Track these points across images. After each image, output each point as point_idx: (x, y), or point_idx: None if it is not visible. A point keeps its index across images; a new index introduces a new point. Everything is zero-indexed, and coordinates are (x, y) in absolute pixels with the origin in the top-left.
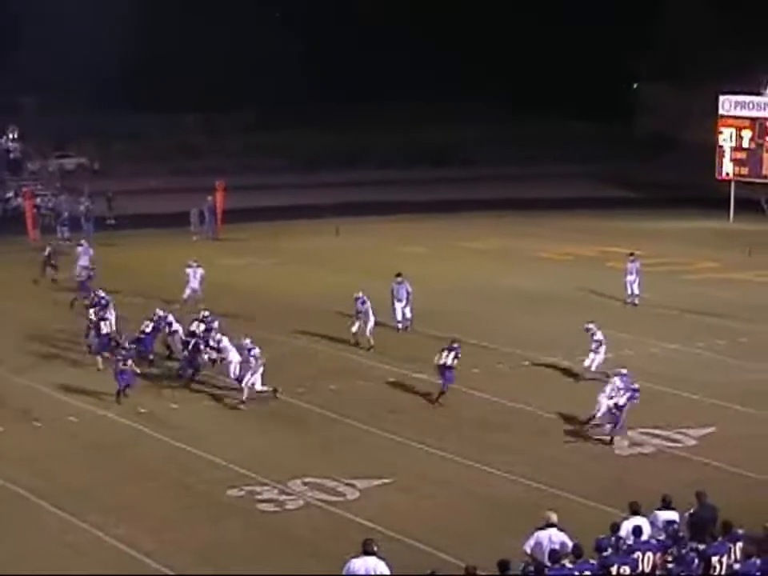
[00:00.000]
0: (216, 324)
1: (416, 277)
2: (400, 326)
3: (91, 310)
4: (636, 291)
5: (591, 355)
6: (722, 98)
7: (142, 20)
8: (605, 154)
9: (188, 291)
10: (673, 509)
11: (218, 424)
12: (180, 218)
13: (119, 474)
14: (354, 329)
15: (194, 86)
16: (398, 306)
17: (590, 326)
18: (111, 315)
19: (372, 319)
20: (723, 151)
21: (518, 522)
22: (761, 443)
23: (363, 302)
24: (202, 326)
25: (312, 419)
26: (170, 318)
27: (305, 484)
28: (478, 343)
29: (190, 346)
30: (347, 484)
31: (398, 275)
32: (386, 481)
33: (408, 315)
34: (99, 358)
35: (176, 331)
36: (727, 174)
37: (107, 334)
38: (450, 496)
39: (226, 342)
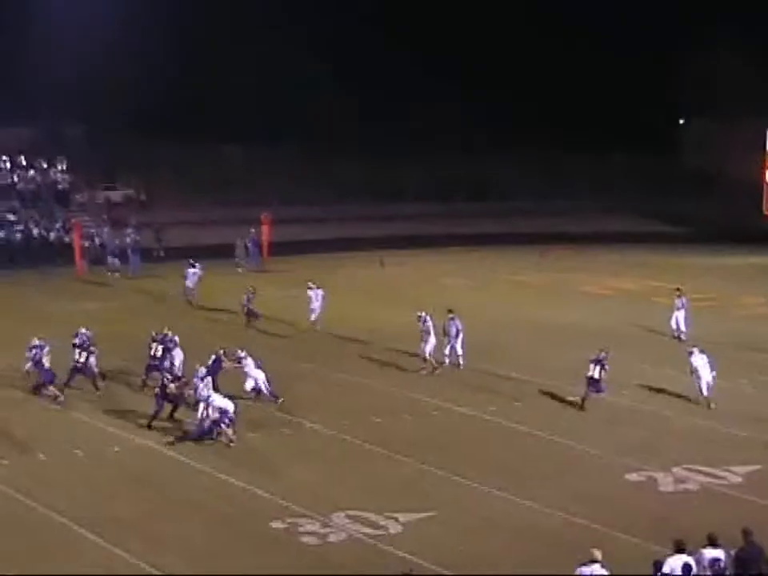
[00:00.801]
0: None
1: (460, 309)
2: (448, 360)
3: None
4: (683, 327)
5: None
6: None
7: (186, 52)
8: (650, 188)
9: (312, 314)
10: (719, 546)
11: (261, 455)
12: (227, 249)
13: (161, 504)
14: (428, 349)
15: (237, 117)
16: (452, 341)
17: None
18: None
19: (433, 339)
20: None
21: (560, 557)
22: None
23: (425, 321)
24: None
25: (355, 452)
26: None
27: (347, 517)
28: (520, 377)
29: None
30: (389, 517)
31: (450, 311)
32: (428, 514)
33: (459, 352)
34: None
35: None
36: None
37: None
38: (492, 530)
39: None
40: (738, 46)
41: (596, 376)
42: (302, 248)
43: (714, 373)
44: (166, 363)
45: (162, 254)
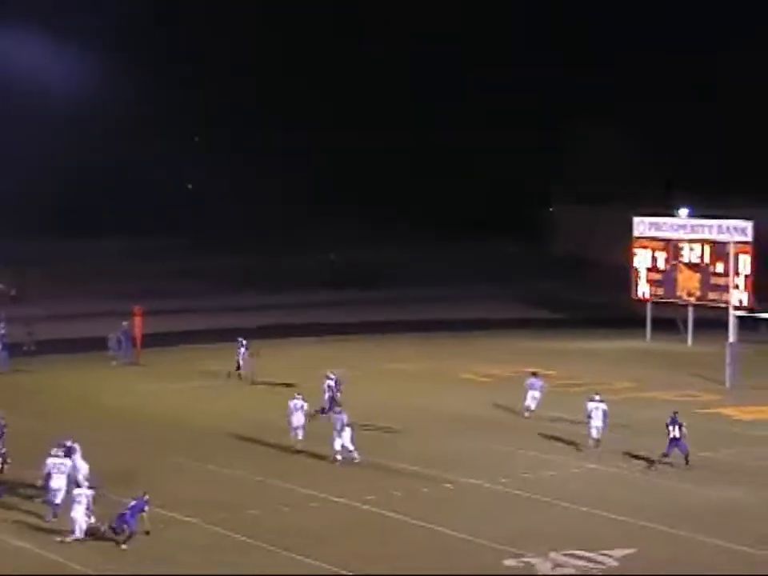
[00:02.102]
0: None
1: (343, 399)
2: (339, 457)
3: None
4: (532, 406)
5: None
6: (635, 219)
7: (67, 147)
8: (521, 274)
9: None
10: None
11: (144, 551)
12: (101, 342)
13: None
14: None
15: (118, 211)
16: (337, 435)
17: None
18: None
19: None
20: (639, 272)
21: None
22: (683, 564)
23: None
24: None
25: (232, 546)
26: None
27: None
28: (398, 466)
29: None
30: None
31: (338, 405)
32: None
33: (350, 447)
34: None
35: None
36: (643, 295)
37: None
38: None
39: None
40: (607, 136)
41: (677, 435)
42: (177, 339)
43: (607, 420)
44: None
45: (32, 347)
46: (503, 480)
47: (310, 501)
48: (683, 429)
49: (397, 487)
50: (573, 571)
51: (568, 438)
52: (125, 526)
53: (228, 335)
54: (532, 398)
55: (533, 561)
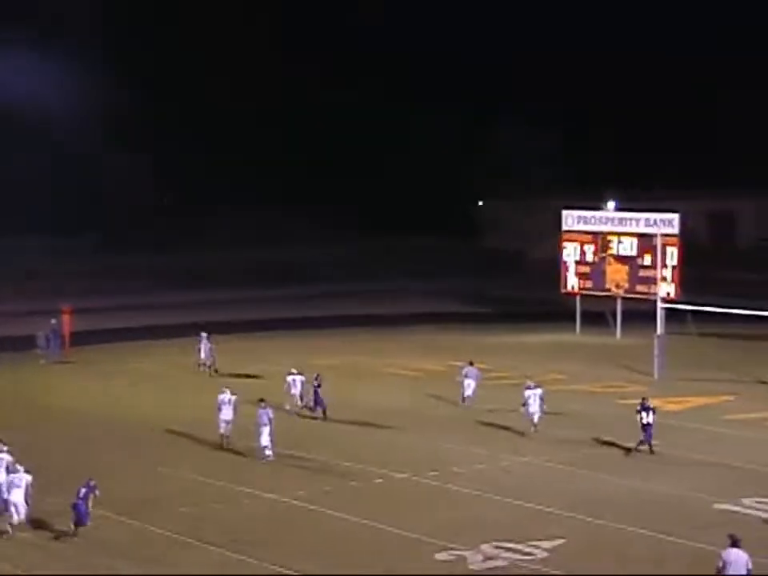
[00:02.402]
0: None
1: (267, 394)
2: (267, 452)
3: None
4: (468, 392)
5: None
6: (564, 213)
7: None
8: (452, 270)
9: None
10: None
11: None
12: (28, 341)
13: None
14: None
15: (39, 210)
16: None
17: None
18: None
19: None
20: (567, 266)
21: None
22: (609, 552)
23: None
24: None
25: (164, 544)
26: None
27: None
28: (328, 460)
29: None
30: None
31: (261, 400)
32: None
33: (267, 443)
34: None
35: None
36: (572, 288)
37: None
38: None
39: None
40: (535, 131)
41: (649, 421)
42: (105, 337)
43: (545, 407)
44: None
45: None
46: (433, 474)
47: (241, 497)
48: (654, 415)
49: (328, 482)
50: (503, 563)
51: (498, 432)
52: (80, 517)
53: (156, 332)
54: (467, 386)
55: (464, 553)
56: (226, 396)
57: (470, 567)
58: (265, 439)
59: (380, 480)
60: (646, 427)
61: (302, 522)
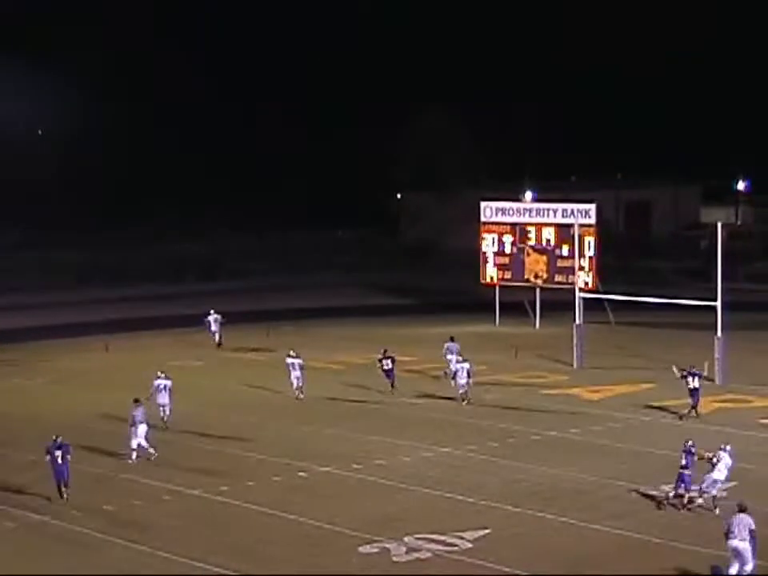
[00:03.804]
0: None
1: (192, 389)
2: (134, 456)
3: None
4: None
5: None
6: (483, 204)
7: None
8: (370, 262)
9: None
10: None
11: None
12: None
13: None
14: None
15: None
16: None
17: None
18: None
19: None
20: (486, 256)
21: None
22: (533, 542)
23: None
24: None
25: (88, 542)
26: None
27: None
28: (249, 455)
29: None
30: None
31: (136, 400)
32: None
33: (145, 444)
34: None
35: None
36: (491, 279)
37: None
38: None
39: None
40: (455, 123)
41: (696, 385)
42: (23, 336)
43: (470, 380)
44: None
45: None
46: (357, 466)
47: (163, 494)
48: (701, 378)
49: (251, 477)
50: (428, 555)
51: (420, 423)
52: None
53: (78, 329)
54: (450, 361)
55: (388, 546)
56: (162, 382)
57: (394, 560)
58: (134, 442)
59: (304, 474)
60: (693, 392)
61: (227, 517)
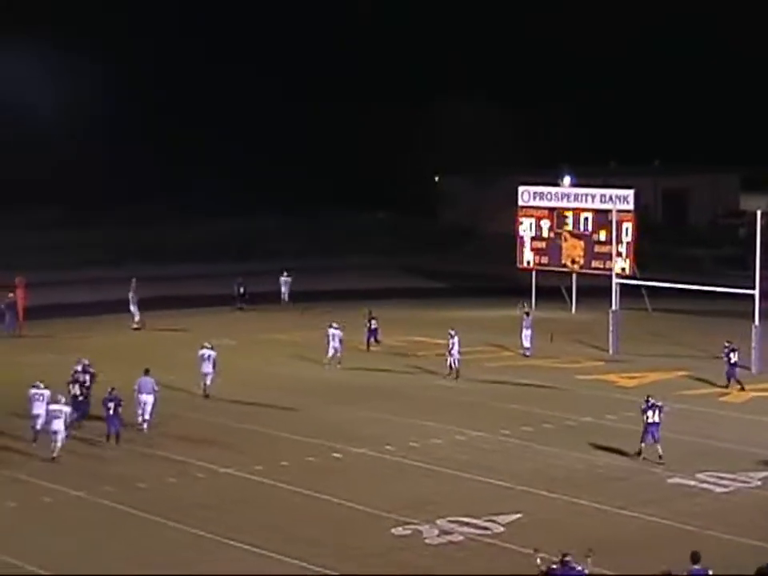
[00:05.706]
0: None
1: (226, 368)
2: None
3: None
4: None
5: None
6: (521, 189)
7: None
8: (408, 245)
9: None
10: None
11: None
12: None
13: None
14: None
15: None
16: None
17: None
18: None
19: None
20: (523, 241)
21: None
22: (566, 527)
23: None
24: None
25: (123, 519)
26: None
27: None
28: (286, 436)
29: None
30: None
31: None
32: None
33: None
34: None
35: None
36: (528, 264)
37: None
38: None
39: None
40: (493, 107)
41: (735, 360)
42: (60, 312)
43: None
44: None
45: None
46: (390, 448)
47: (197, 471)
48: (737, 356)
49: (285, 457)
50: (460, 538)
51: (454, 406)
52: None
53: (111, 307)
54: (525, 338)
55: (420, 528)
56: (206, 351)
57: (426, 542)
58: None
59: (338, 455)
60: (731, 366)
61: (261, 497)
